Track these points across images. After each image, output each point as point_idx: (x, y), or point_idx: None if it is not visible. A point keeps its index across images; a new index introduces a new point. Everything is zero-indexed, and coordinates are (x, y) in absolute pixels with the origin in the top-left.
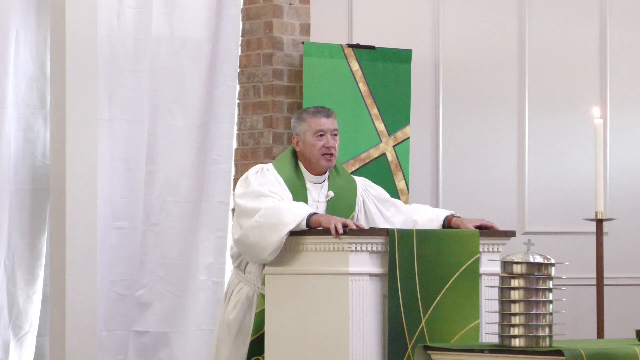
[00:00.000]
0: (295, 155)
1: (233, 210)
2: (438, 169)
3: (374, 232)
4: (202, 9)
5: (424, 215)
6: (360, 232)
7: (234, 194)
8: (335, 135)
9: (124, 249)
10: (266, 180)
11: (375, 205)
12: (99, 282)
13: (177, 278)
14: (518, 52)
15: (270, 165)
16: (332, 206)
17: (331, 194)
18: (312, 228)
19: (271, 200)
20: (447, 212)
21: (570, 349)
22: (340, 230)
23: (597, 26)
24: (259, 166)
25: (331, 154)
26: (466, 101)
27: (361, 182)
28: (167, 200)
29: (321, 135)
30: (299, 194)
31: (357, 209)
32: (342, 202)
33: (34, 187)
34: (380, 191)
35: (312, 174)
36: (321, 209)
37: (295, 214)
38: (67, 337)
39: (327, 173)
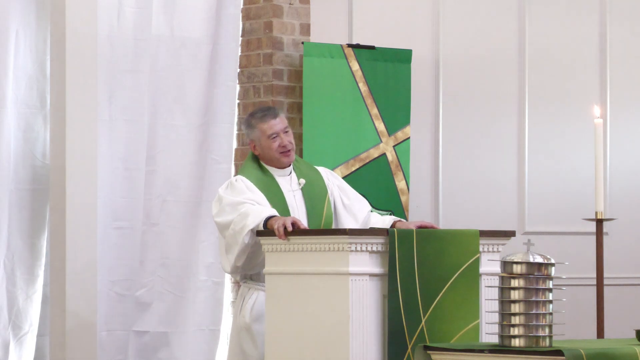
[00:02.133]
0: (256, 157)
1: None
2: (438, 169)
3: (374, 232)
4: (202, 9)
5: (376, 223)
6: (358, 232)
7: (212, 215)
8: (287, 132)
9: (124, 249)
10: (236, 190)
11: (339, 195)
12: (99, 282)
13: (177, 278)
14: (518, 52)
15: (237, 176)
16: (308, 191)
17: (303, 181)
18: (268, 229)
19: (246, 205)
20: (395, 218)
21: (570, 349)
22: (289, 228)
23: (597, 26)
24: (226, 182)
25: (288, 150)
26: (466, 101)
27: (324, 170)
28: (167, 200)
29: (275, 137)
30: (273, 189)
31: (330, 198)
32: (315, 187)
33: (34, 187)
34: (341, 181)
35: (277, 168)
36: (298, 197)
37: (257, 217)
38: (67, 337)
39: (291, 165)
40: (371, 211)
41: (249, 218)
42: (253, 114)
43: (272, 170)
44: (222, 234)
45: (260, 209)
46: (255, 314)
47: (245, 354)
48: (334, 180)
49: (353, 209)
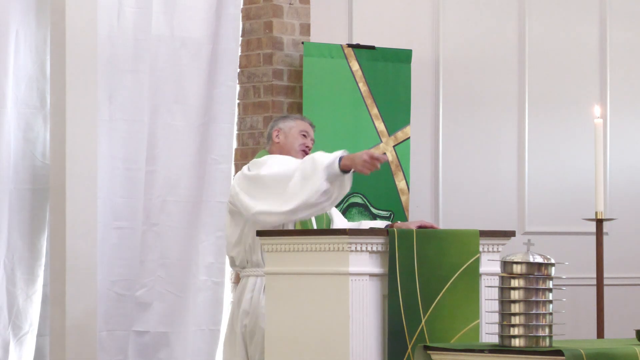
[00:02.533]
0: (268, 154)
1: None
2: (438, 169)
3: (374, 232)
4: (202, 9)
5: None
6: (360, 232)
7: (241, 177)
8: (312, 142)
9: (124, 249)
10: (268, 161)
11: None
12: (99, 282)
13: (177, 278)
14: (518, 52)
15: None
16: None
17: None
18: (345, 172)
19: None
20: (389, 222)
21: (570, 349)
22: (382, 159)
23: (597, 26)
24: (245, 167)
25: (307, 153)
26: (466, 101)
27: None
28: (167, 200)
29: (305, 135)
30: None
31: None
32: None
33: (34, 187)
34: None
35: None
36: None
37: (327, 156)
38: (67, 337)
39: None
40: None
41: (319, 159)
42: (297, 115)
43: None
44: (275, 185)
45: (324, 154)
46: (254, 304)
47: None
48: None
49: (340, 218)
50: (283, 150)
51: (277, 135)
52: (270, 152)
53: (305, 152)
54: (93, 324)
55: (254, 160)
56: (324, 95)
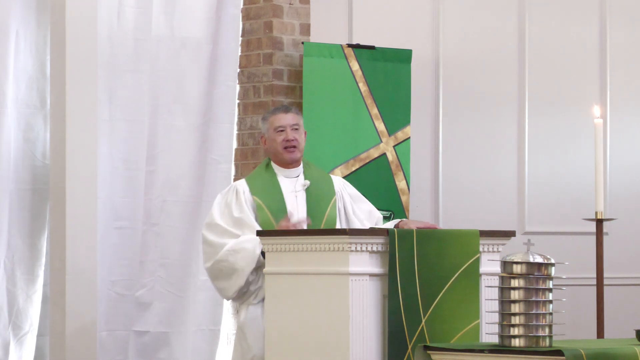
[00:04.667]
0: (267, 160)
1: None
2: (438, 169)
3: (374, 232)
4: (202, 9)
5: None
6: (358, 232)
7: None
8: (296, 129)
9: (124, 249)
10: (226, 206)
11: (351, 205)
12: (99, 282)
13: (177, 278)
14: (518, 52)
15: (240, 182)
16: (311, 192)
17: (307, 182)
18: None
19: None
20: (398, 220)
21: (570, 349)
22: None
23: (597, 26)
24: (226, 188)
25: (293, 146)
26: (466, 101)
27: (338, 178)
28: (167, 200)
29: (281, 130)
30: (273, 191)
31: (338, 203)
32: (321, 189)
33: (34, 187)
34: (355, 191)
35: (283, 168)
36: (300, 197)
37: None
38: (67, 337)
39: (302, 168)
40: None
41: (240, 261)
42: (271, 109)
43: (279, 170)
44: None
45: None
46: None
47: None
48: (347, 189)
49: (361, 216)
50: (274, 156)
51: (264, 142)
52: (268, 156)
53: (289, 149)
54: (93, 324)
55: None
56: (324, 95)
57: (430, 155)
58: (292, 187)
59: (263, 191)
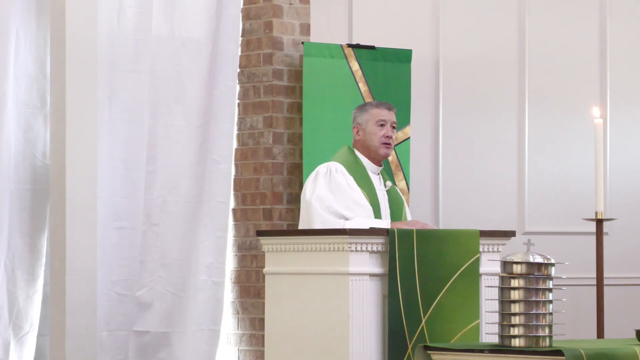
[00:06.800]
0: (351, 152)
1: (234, 210)
2: (438, 169)
3: (374, 232)
4: (202, 9)
5: None
6: (358, 232)
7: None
8: (394, 128)
9: (124, 249)
10: (336, 187)
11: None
12: (99, 282)
13: (177, 278)
14: (518, 52)
15: (336, 165)
16: (393, 195)
17: (389, 183)
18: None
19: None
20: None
21: (570, 349)
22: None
23: (597, 26)
24: (325, 167)
25: (389, 144)
26: (466, 101)
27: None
28: (167, 200)
29: (382, 125)
30: (366, 183)
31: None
32: (397, 193)
33: (34, 187)
34: None
35: (372, 163)
36: (385, 197)
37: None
38: (67, 337)
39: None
40: None
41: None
42: (369, 102)
43: (367, 164)
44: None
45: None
46: None
47: None
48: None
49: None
50: (364, 147)
51: (357, 133)
52: (355, 147)
53: (386, 145)
54: (93, 324)
55: (317, 180)
56: (324, 95)
57: (430, 155)
58: (379, 185)
59: (360, 183)
